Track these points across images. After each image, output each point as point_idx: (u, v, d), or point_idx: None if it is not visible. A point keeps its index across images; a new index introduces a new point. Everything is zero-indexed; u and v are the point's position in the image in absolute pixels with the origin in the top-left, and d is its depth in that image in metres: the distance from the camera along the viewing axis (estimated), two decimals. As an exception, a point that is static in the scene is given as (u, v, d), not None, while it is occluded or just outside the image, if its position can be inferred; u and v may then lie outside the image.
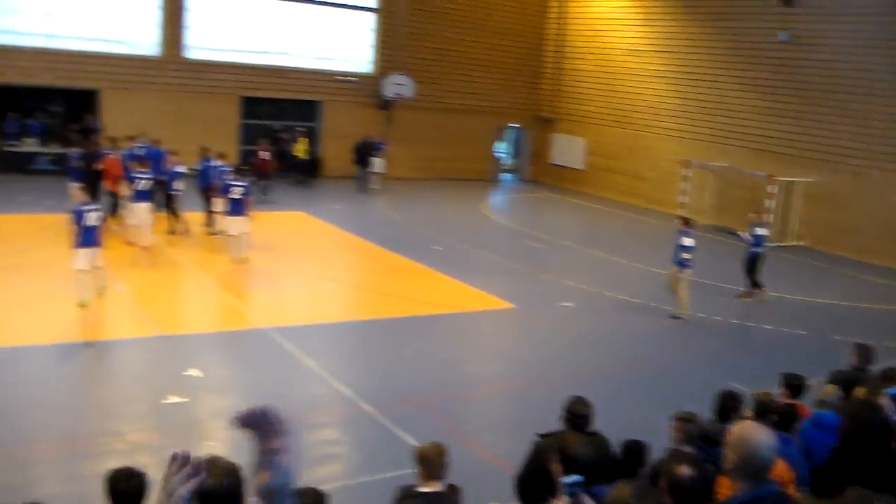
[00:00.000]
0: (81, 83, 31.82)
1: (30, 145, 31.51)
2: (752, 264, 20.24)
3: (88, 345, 13.87)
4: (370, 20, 36.80)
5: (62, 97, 32.73)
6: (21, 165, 30.73)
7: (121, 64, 32.16)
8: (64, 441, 10.31)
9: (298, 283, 19.29)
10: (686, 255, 17.69)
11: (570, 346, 15.98)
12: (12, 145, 31.18)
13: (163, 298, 17.46)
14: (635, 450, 7.11)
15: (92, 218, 15.47)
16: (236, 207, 19.63)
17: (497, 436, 11.61)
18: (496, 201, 35.36)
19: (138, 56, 32.69)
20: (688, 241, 17.74)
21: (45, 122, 32.16)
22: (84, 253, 15.23)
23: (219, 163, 22.83)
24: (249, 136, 33.99)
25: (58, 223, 22.13)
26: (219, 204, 21.18)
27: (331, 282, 19.27)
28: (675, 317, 17.99)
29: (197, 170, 23.54)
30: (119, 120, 30.12)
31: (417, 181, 36.18)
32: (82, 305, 15.24)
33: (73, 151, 23.70)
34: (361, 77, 36.69)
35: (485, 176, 39.31)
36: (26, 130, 32.12)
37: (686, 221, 18.28)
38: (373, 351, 14.96)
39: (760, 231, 20.19)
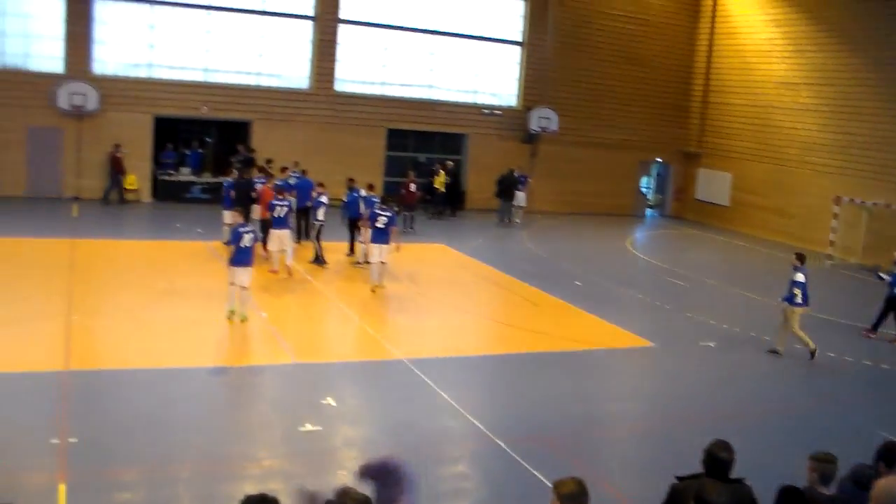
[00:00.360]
0: (235, 115, 33.02)
1: (185, 175, 32.87)
2: (890, 305, 19.59)
3: (230, 370, 14.34)
4: (516, 54, 37.03)
5: (216, 128, 33.99)
6: (177, 194, 32.10)
7: (273, 97, 33.28)
8: (202, 462, 10.61)
9: (437, 314, 19.46)
10: (796, 291, 17.22)
11: (709, 387, 15.58)
12: (169, 174, 32.59)
13: (302, 326, 17.89)
14: (793, 495, 6.69)
15: (247, 239, 16.88)
16: (380, 236, 20.26)
17: (630, 478, 11.39)
18: (639, 237, 34.94)
19: (290, 89, 33.73)
20: (800, 277, 17.25)
21: (199, 153, 33.44)
22: (236, 271, 16.74)
23: (366, 194, 23.28)
24: (394, 167, 34.60)
25: (205, 250, 23.12)
26: (365, 234, 21.84)
27: (469, 314, 19.35)
28: (773, 351, 17.62)
29: (344, 201, 24.11)
30: (268, 150, 31.17)
31: (560, 215, 36.13)
32: (229, 317, 16.70)
33: (227, 180, 24.62)
34: (506, 110, 36.93)
35: (628, 211, 38.97)
36: (182, 160, 33.57)
37: (800, 257, 17.71)
38: (508, 385, 14.91)
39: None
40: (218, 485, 10.17)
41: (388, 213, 20.47)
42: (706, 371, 16.53)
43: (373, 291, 20.31)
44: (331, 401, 12.92)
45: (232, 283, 16.81)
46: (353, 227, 23.44)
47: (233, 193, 23.57)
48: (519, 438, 11.97)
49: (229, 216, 21.91)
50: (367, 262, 21.40)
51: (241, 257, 16.84)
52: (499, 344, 17.68)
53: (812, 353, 17.36)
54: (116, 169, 30.83)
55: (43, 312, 16.53)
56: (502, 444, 11.65)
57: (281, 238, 20.61)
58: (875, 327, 19.88)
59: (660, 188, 42.25)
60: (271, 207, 20.70)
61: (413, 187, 30.24)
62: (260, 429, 11.95)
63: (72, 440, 10.75)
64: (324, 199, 22.81)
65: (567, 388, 14.70)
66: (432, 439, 11.87)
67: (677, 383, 15.68)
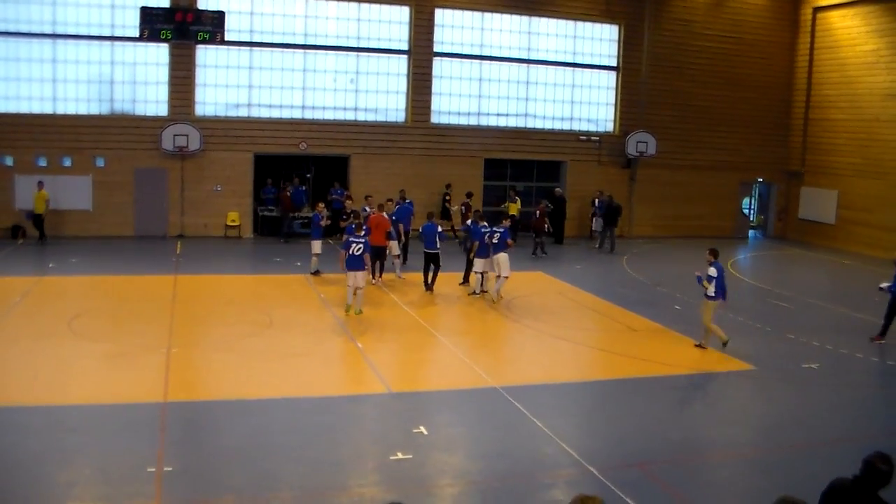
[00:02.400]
0: (333, 150, 33.58)
1: (282, 211, 33.48)
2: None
3: (324, 400, 14.45)
4: (611, 79, 36.84)
5: (315, 163, 34.58)
6: (276, 229, 32.69)
7: (370, 131, 33.86)
8: (295, 491, 10.68)
9: (533, 342, 19.34)
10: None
11: (814, 411, 15.05)
12: (269, 210, 33.25)
13: (397, 356, 17.96)
14: None
15: (356, 249, 19.98)
16: (484, 251, 22.55)
17: (729, 506, 11.13)
18: (741, 259, 34.17)
19: (386, 123, 34.18)
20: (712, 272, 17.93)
21: (302, 189, 34.06)
22: (350, 275, 19.95)
23: (483, 225, 23.39)
24: (492, 196, 34.70)
25: (304, 283, 23.46)
26: (479, 264, 22.72)
27: (566, 341, 19.17)
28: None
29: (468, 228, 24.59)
30: (367, 183, 31.69)
31: (660, 239, 35.69)
32: (347, 310, 20.02)
33: (316, 213, 25.14)
34: (603, 136, 36.71)
35: (730, 233, 38.27)
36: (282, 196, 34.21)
37: (713, 252, 18.43)
38: (604, 412, 14.67)
39: None
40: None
41: (499, 230, 22.58)
42: (810, 394, 16.02)
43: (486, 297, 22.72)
44: (423, 430, 12.92)
45: (349, 286, 19.98)
46: (469, 258, 23.89)
47: (322, 223, 24.95)
48: (614, 466, 11.77)
49: (317, 246, 24.61)
50: (484, 292, 22.91)
51: (353, 263, 19.99)
52: (596, 370, 17.47)
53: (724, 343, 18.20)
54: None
55: (145, 346, 17.02)
56: (596, 472, 11.47)
57: (355, 277, 20.35)
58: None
59: (762, 209, 41.38)
60: (347, 244, 20.60)
61: (541, 214, 30.72)
62: (352, 458, 12.00)
63: (168, 469, 10.99)
64: (439, 228, 23.76)
65: (665, 414, 14.43)
66: (525, 467, 11.76)
67: (781, 407, 15.19)
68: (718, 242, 34.90)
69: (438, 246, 23.50)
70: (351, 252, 20.31)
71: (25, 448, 11.67)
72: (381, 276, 24.47)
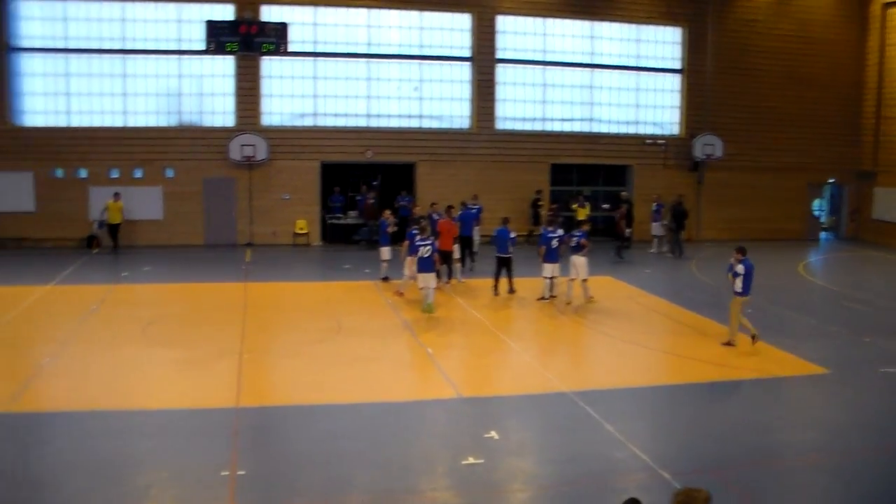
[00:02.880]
0: (399, 158, 33.76)
1: (353, 218, 33.75)
2: None
3: (395, 405, 14.50)
4: (676, 82, 36.51)
5: (382, 171, 34.78)
6: (345, 236, 32.96)
7: (435, 138, 33.99)
8: (366, 495, 10.73)
9: (603, 346, 19.24)
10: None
11: (892, 416, 14.73)
12: (337, 218, 33.51)
13: (468, 361, 17.94)
14: None
15: (423, 251, 20.80)
16: (552, 255, 22.62)
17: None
18: (813, 261, 33.63)
19: (452, 130, 34.26)
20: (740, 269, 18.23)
21: (366, 196, 34.28)
22: (420, 276, 20.80)
23: (551, 229, 23.31)
24: (559, 202, 34.56)
25: (373, 289, 23.60)
26: (547, 269, 22.75)
27: (635, 345, 18.99)
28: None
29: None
30: (433, 190, 31.79)
31: (729, 243, 35.07)
32: (426, 312, 20.62)
33: (383, 220, 25.26)
34: (669, 139, 36.39)
35: (800, 235, 37.68)
36: (350, 204, 34.52)
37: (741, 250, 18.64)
38: (676, 417, 14.50)
39: None
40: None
41: (556, 235, 22.79)
42: (888, 399, 15.64)
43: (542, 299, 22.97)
44: (494, 434, 12.88)
45: (420, 287, 20.90)
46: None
47: (389, 230, 25.01)
48: (686, 471, 11.61)
49: (386, 252, 24.74)
50: (553, 297, 23.00)
51: (423, 265, 20.80)
52: (666, 374, 17.25)
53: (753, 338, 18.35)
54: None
55: (217, 352, 17.25)
56: (669, 477, 11.34)
57: (425, 278, 21.04)
58: None
59: (833, 210, 40.66)
60: (414, 249, 21.45)
61: (620, 217, 30.94)
62: (423, 462, 12.02)
63: (241, 473, 11.12)
64: (512, 234, 23.84)
65: (738, 419, 14.18)
66: (596, 472, 11.67)
67: (857, 412, 14.86)
68: (789, 245, 34.92)
69: (511, 251, 23.53)
70: (420, 255, 20.74)
71: (103, 451, 11.90)
72: (449, 280, 24.57)
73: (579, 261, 22.69)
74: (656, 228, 32.96)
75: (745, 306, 18.73)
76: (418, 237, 21.34)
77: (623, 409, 14.41)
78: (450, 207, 26.26)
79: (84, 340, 18.14)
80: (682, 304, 22.99)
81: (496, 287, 23.66)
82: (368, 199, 32.44)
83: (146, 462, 11.60)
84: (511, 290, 23.71)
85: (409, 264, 22.54)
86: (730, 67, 36.22)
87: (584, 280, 22.75)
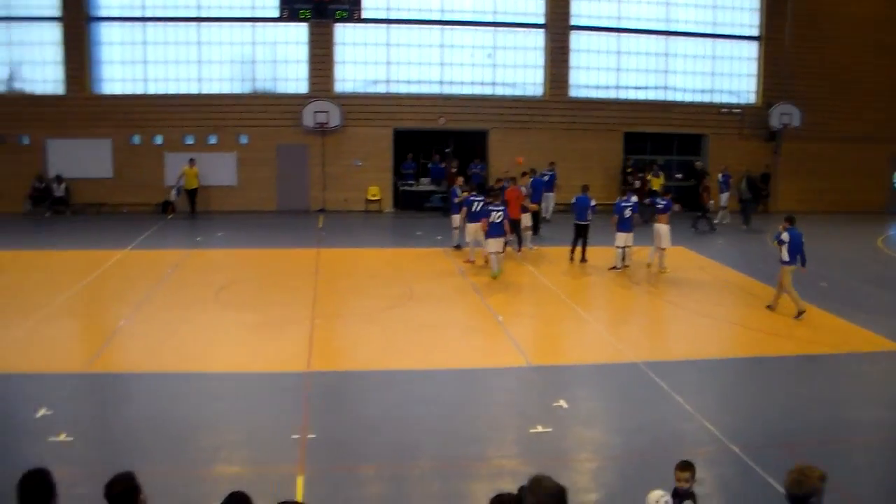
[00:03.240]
0: (472, 125, 33.68)
1: (425, 185, 33.81)
2: None
3: (465, 372, 14.56)
4: (753, 49, 35.77)
5: (454, 138, 34.78)
6: (417, 203, 33.06)
7: (508, 105, 33.78)
8: (434, 461, 10.80)
9: (674, 317, 19.09)
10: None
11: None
12: (409, 185, 33.60)
13: (537, 329, 17.94)
14: None
15: (497, 217, 21.24)
16: (625, 225, 22.44)
17: (875, 490, 10.68)
18: (892, 235, 32.83)
19: (524, 97, 34.05)
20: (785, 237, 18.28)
21: (439, 164, 34.36)
22: (489, 242, 21.21)
23: (626, 198, 23.22)
24: (636, 170, 34.19)
25: (441, 255, 23.66)
26: (620, 239, 22.64)
27: (707, 317, 18.78)
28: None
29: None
30: (505, 159, 31.67)
31: (804, 214, 34.33)
32: (494, 277, 20.92)
33: (454, 189, 25.29)
34: (745, 108, 35.73)
35: (880, 208, 36.69)
36: (422, 171, 34.59)
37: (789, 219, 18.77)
38: (746, 390, 14.31)
39: None
40: (449, 483, 10.32)
41: (630, 204, 22.65)
42: (970, 376, 15.28)
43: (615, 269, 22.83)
44: (563, 403, 12.84)
45: (490, 252, 21.31)
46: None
47: (457, 199, 24.82)
48: (756, 445, 11.43)
49: (457, 220, 24.45)
50: (626, 266, 22.91)
51: (493, 230, 21.15)
52: (737, 347, 17.00)
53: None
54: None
55: (289, 317, 17.46)
56: (738, 451, 11.20)
57: (496, 243, 21.47)
58: None
59: (917, 182, 39.54)
60: (486, 213, 21.71)
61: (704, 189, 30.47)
62: (492, 429, 12.04)
63: (311, 436, 11.26)
64: (592, 202, 23.79)
65: (810, 394, 13.94)
66: (665, 443, 11.58)
67: (936, 389, 14.57)
68: (868, 218, 34.09)
69: (590, 218, 23.52)
70: (492, 220, 21.07)
71: (176, 413, 12.15)
72: (520, 249, 24.55)
73: (663, 229, 22.63)
74: (724, 199, 32.36)
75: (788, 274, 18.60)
76: (491, 203, 21.76)
77: (693, 381, 14.28)
78: (523, 175, 26.28)
79: (159, 304, 18.50)
80: (754, 275, 22.62)
81: (572, 254, 23.75)
82: (451, 167, 32.16)
83: (218, 424, 11.81)
84: (583, 259, 23.65)
85: (472, 231, 22.82)
86: (810, 34, 35.25)
87: (663, 249, 22.68)
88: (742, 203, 31.86)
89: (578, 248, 23.71)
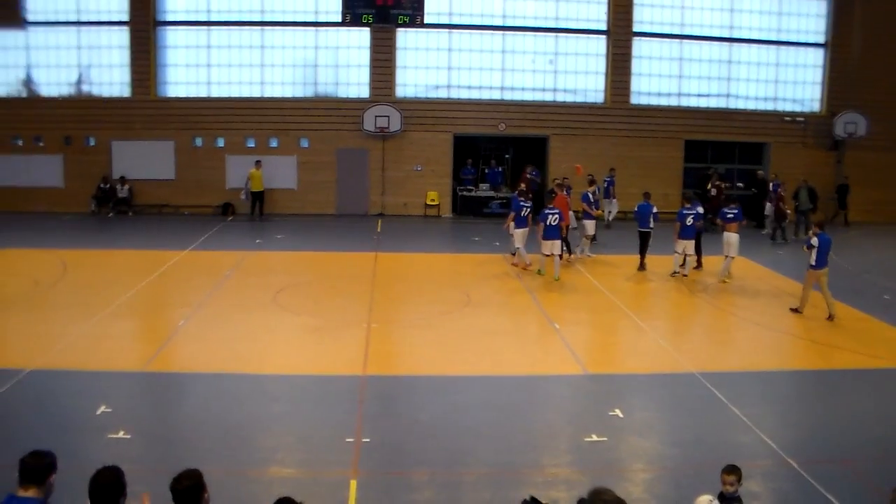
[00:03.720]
0: (532, 131, 33.65)
1: (484, 190, 33.83)
2: None
3: (521, 378, 14.54)
4: (818, 56, 35.22)
5: (514, 144, 34.76)
6: (476, 209, 33.09)
7: (569, 112, 33.68)
8: (488, 467, 10.81)
9: (733, 327, 18.89)
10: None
11: None
12: (468, 190, 33.64)
13: (595, 337, 17.89)
14: None
15: (553, 220, 21.84)
16: (688, 232, 22.63)
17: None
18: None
19: (585, 104, 33.93)
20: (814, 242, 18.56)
21: (499, 170, 34.34)
22: (545, 244, 21.94)
23: (688, 206, 23.24)
24: (691, 179, 33.90)
25: (498, 261, 23.65)
26: (679, 245, 22.79)
27: (766, 328, 18.54)
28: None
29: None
30: (563, 165, 31.54)
31: (870, 225, 33.91)
32: (555, 279, 21.74)
33: (514, 195, 25.26)
34: (809, 116, 35.19)
35: (949, 220, 35.89)
36: (482, 176, 34.62)
37: (819, 224, 19.21)
38: (805, 403, 14.12)
39: None
40: (501, 490, 10.29)
41: (693, 212, 22.82)
42: None
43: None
44: (618, 412, 12.79)
45: (545, 254, 21.91)
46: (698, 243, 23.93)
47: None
48: (814, 460, 11.29)
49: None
50: (684, 275, 23.01)
51: (548, 233, 21.80)
52: (797, 359, 16.79)
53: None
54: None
55: (346, 320, 17.60)
56: (795, 465, 11.05)
57: (552, 245, 22.11)
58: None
59: None
60: (543, 217, 22.08)
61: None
62: (546, 437, 12.02)
63: (365, 440, 11.34)
64: (654, 209, 23.87)
65: (870, 409, 13.66)
66: (721, 455, 11.37)
67: None
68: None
69: (652, 225, 23.54)
70: (548, 223, 21.55)
71: (233, 414, 12.30)
72: (570, 255, 24.52)
73: (733, 238, 22.59)
74: (769, 209, 31.70)
75: (821, 279, 18.95)
76: (546, 207, 22.20)
77: (751, 393, 14.11)
78: (592, 182, 26.31)
79: (217, 305, 18.73)
80: (815, 287, 22.22)
81: (643, 261, 23.72)
82: (525, 174, 31.68)
83: (273, 426, 11.93)
84: (642, 267, 23.61)
85: (519, 236, 23.02)
86: (877, 41, 34.55)
87: (732, 258, 22.67)
88: (799, 213, 31.08)
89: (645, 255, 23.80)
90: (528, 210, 23.16)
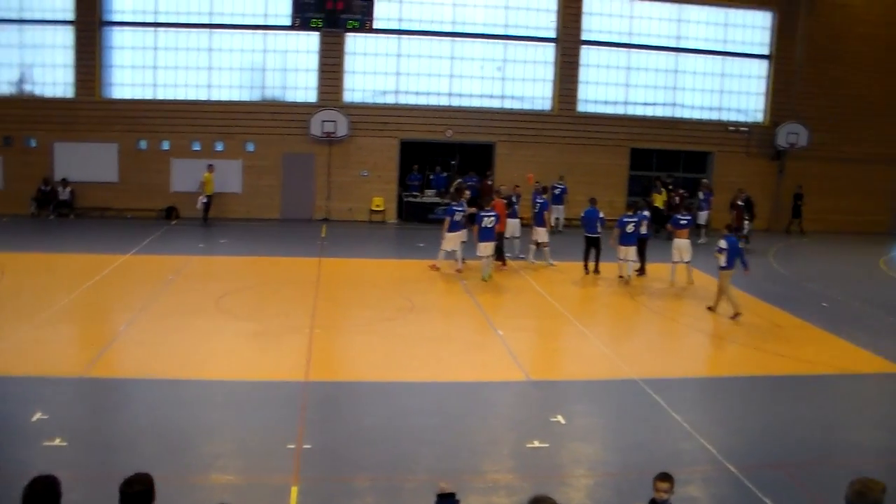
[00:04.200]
0: (479, 138, 33.72)
1: (429, 196, 33.83)
2: None
3: (463, 385, 14.51)
4: (762, 68, 35.74)
5: (461, 151, 34.84)
6: (422, 215, 33.08)
7: (516, 119, 33.85)
8: (429, 473, 10.74)
9: (675, 334, 19.09)
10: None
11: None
12: (414, 196, 33.62)
13: (537, 344, 17.96)
14: None
15: (488, 222, 22.58)
16: (629, 239, 23.06)
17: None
18: (895, 256, 32.69)
19: (532, 111, 34.09)
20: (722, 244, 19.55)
21: (444, 176, 34.38)
22: (482, 246, 22.50)
23: (632, 214, 23.67)
24: (637, 187, 34.22)
25: (444, 267, 23.59)
26: (621, 252, 23.19)
27: (707, 335, 18.76)
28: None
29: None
30: (512, 172, 31.66)
31: (809, 234, 34.45)
32: (484, 279, 22.42)
33: (462, 202, 25.22)
34: (752, 126, 35.68)
35: (885, 229, 36.57)
36: (428, 183, 34.63)
37: (729, 227, 20.55)
38: (745, 409, 14.23)
39: None
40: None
41: (634, 219, 23.27)
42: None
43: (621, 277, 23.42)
44: (560, 419, 12.83)
45: (479, 256, 22.57)
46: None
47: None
48: (753, 465, 11.41)
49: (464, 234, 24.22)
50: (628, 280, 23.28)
51: (482, 235, 22.42)
52: (737, 366, 16.95)
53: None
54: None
55: (289, 326, 17.47)
56: (734, 470, 11.17)
57: (485, 247, 22.81)
58: None
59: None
60: (479, 219, 22.94)
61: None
62: (488, 444, 12.02)
63: (307, 446, 11.25)
64: (601, 213, 24.51)
65: (808, 415, 13.86)
66: (662, 461, 11.48)
67: (935, 412, 14.49)
68: (873, 239, 33.99)
69: (600, 231, 23.94)
70: (483, 225, 22.18)
71: (174, 420, 12.14)
72: (504, 262, 24.74)
73: (684, 243, 23.19)
74: (702, 217, 31.93)
75: (727, 278, 19.99)
76: (483, 210, 22.87)
77: (692, 399, 14.28)
78: (544, 190, 26.45)
79: (159, 310, 18.50)
80: (757, 295, 22.52)
81: (586, 266, 24.14)
82: (472, 183, 31.71)
83: (215, 432, 11.81)
84: (596, 271, 24.08)
85: (450, 240, 23.24)
86: (820, 54, 35.18)
87: (687, 262, 23.33)
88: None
89: (591, 261, 24.19)
90: (463, 215, 23.44)
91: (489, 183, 30.74)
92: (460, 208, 23.62)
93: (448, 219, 23.33)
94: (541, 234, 25.03)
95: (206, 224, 30.62)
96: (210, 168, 30.92)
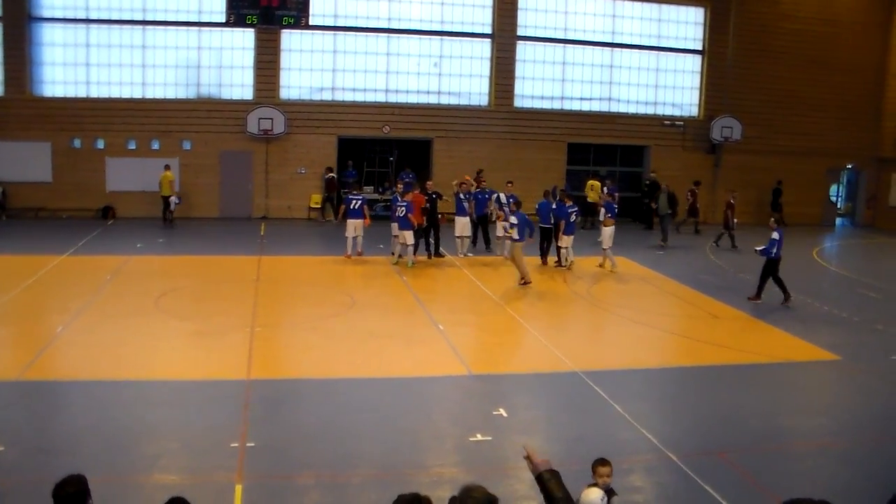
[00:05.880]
0: (416, 134, 33.75)
1: (368, 193, 33.75)
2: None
3: (405, 380, 14.57)
4: (696, 63, 36.28)
5: (399, 146, 34.88)
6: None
7: (453, 115, 33.95)
8: (373, 469, 10.81)
9: (615, 326, 19.26)
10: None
11: (902, 403, 14.70)
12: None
13: (478, 338, 18.02)
14: None
15: (355, 204, 24.89)
16: (570, 229, 24.52)
17: (806, 495, 10.84)
18: (827, 247, 33.42)
19: (469, 106, 34.20)
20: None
21: (382, 171, 34.36)
22: (402, 234, 23.91)
23: (570, 204, 24.95)
24: (575, 181, 34.54)
25: (383, 264, 23.62)
26: (564, 241, 24.49)
27: (646, 326, 18.99)
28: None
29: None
30: (449, 167, 31.78)
31: (744, 226, 34.94)
32: (394, 262, 24.24)
33: (396, 196, 25.39)
34: (687, 121, 36.20)
35: (816, 220, 37.43)
36: (364, 179, 34.58)
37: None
38: (684, 399, 14.49)
39: None
40: (388, 491, 10.23)
41: (575, 209, 24.96)
42: (899, 386, 15.59)
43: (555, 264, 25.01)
44: (503, 412, 12.92)
45: (403, 244, 24.12)
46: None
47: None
48: (693, 453, 11.62)
49: (396, 229, 24.82)
50: (559, 264, 24.81)
51: (400, 224, 23.88)
52: (676, 356, 17.24)
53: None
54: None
55: (229, 324, 17.36)
56: (675, 459, 11.36)
57: (404, 235, 24.20)
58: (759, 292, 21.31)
59: (850, 196, 40.40)
60: (347, 202, 25.38)
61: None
62: (431, 438, 12.07)
63: (250, 444, 11.21)
64: (554, 205, 25.52)
65: (746, 403, 14.12)
66: (604, 451, 11.50)
67: (867, 399, 14.76)
68: (804, 230, 34.71)
69: (552, 222, 24.94)
70: (351, 207, 24.77)
71: (115, 421, 12.00)
72: (433, 256, 25.83)
73: (606, 231, 24.43)
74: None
75: (519, 249, 22.03)
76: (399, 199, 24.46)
77: (632, 390, 14.42)
78: (509, 183, 27.52)
79: (98, 311, 18.27)
80: (695, 286, 22.92)
81: (544, 257, 25.13)
82: (408, 179, 31.74)
83: (156, 432, 11.69)
84: (557, 263, 24.92)
85: (349, 226, 24.81)
86: (751, 49, 35.89)
87: (605, 249, 24.50)
88: (661, 217, 31.27)
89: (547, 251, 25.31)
90: (360, 203, 25.06)
91: (429, 182, 30.85)
92: (357, 197, 25.55)
93: (344, 206, 25.45)
94: (461, 227, 26.09)
95: (171, 225, 30.27)
96: (167, 168, 30.58)
